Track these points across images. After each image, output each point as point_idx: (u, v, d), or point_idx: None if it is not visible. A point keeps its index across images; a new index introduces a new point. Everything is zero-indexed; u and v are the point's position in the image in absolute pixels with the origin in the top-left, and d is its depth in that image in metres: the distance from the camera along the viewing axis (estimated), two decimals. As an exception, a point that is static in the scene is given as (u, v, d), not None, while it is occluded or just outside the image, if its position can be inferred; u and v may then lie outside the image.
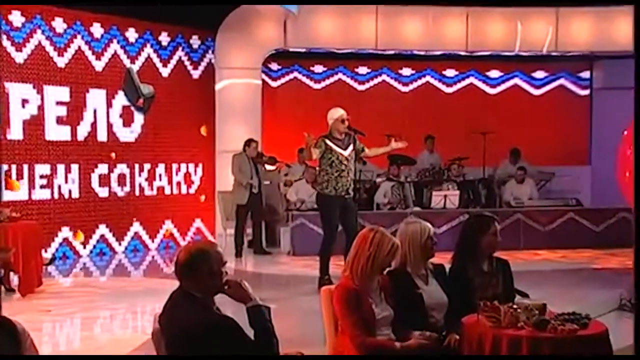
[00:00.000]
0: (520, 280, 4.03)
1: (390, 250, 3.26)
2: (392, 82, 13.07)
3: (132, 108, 9.97)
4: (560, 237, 9.88)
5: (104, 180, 9.63)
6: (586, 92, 13.30)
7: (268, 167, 9.96)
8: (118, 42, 9.79)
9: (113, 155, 9.65)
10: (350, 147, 6.91)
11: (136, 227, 10.03)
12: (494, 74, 13.22)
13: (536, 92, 13.41)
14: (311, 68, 12.95)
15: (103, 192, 9.62)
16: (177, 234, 10.59)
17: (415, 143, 11.91)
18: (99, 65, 9.56)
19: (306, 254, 8.98)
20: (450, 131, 12.37)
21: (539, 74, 13.36)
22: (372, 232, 3.30)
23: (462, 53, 11.80)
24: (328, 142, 6.78)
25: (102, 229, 9.63)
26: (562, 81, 13.38)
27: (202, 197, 10.54)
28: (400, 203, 10.12)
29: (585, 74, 13.40)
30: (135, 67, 9.99)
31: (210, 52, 10.97)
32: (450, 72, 13.12)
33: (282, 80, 12.94)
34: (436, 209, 9.80)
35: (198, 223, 10.85)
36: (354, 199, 7.13)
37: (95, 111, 9.48)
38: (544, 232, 9.96)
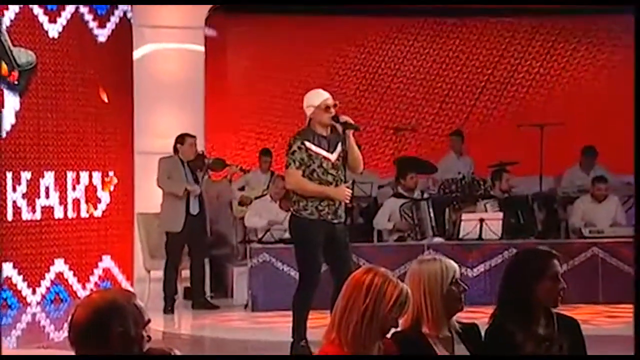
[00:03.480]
0: (598, 349, 4.11)
1: (396, 301, 3.29)
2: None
3: (1, 85, 9.88)
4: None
5: (-44, 198, 9.60)
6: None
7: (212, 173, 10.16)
8: (-24, -17, 9.78)
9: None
10: (339, 148, 7.01)
11: (7, 269, 9.92)
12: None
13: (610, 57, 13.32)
14: (277, 24, 13.04)
15: (-46, 216, 9.58)
16: (73, 280, 10.53)
17: (435, 141, 12.02)
18: (-58, 18, 9.57)
19: (272, 308, 9.03)
20: (486, 122, 12.43)
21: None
22: (369, 274, 3.33)
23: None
24: (307, 143, 6.87)
25: (-47, 273, 9.54)
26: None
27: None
28: (413, 230, 10.11)
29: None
30: (5, 22, 9.92)
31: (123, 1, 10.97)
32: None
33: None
34: (468, 239, 9.81)
35: (107, 262, 10.81)
36: (346, 225, 7.17)
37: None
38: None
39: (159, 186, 9.62)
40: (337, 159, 6.98)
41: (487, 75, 13.17)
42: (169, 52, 11.10)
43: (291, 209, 7.14)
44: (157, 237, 9.93)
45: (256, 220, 10.13)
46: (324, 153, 6.93)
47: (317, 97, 6.97)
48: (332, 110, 6.92)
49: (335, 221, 6.96)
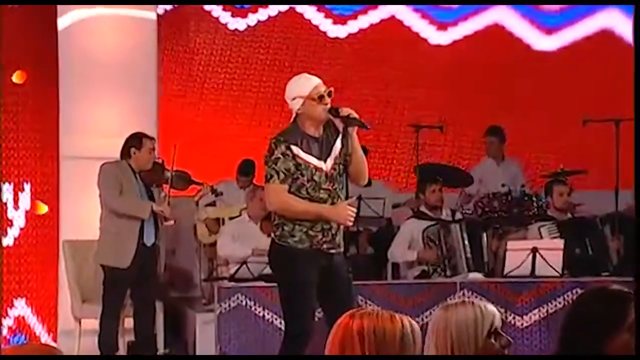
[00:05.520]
0: None
1: (402, 340, 3.43)
2: (412, 22, 13.24)
3: None
4: None
5: None
6: None
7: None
8: None
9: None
10: (335, 153, 7.06)
11: None
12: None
13: None
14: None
15: None
16: (-25, 331, 10.51)
17: (466, 140, 11.80)
18: None
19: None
20: (537, 115, 12.44)
21: None
22: (354, 319, 3.47)
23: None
24: (295, 148, 6.95)
25: None
26: None
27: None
28: (441, 264, 10.18)
29: None
30: None
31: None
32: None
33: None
34: (516, 276, 9.74)
35: (20, 308, 10.62)
36: (348, 257, 7.36)
37: None
38: None
39: (107, 205, 9.35)
40: (333, 168, 6.96)
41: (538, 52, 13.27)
42: (107, 20, 10.90)
43: (272, 235, 7.10)
44: (91, 274, 9.82)
45: (235, 247, 10.05)
46: (315, 162, 6.91)
47: (306, 84, 6.96)
48: (328, 100, 6.89)
49: (333, 251, 7.00)
